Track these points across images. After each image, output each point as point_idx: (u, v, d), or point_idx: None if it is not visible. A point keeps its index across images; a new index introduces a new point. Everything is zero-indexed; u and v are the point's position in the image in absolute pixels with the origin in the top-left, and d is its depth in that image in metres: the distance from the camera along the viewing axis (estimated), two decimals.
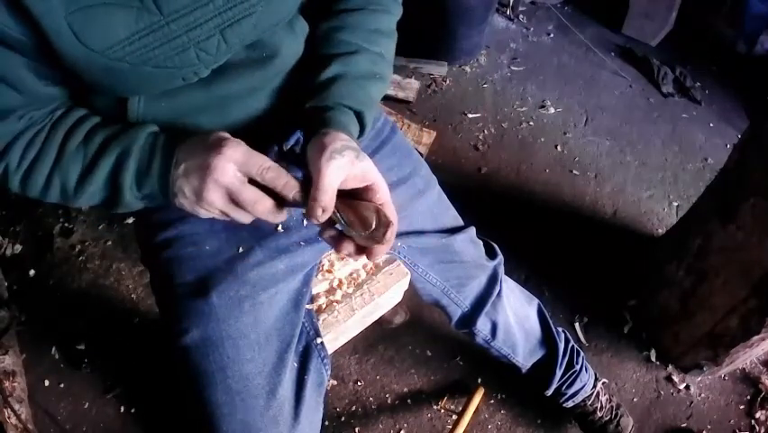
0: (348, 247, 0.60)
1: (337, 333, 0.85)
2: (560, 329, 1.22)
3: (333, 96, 0.66)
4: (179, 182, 0.57)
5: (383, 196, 0.61)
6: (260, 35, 0.62)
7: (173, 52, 0.55)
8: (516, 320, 1.11)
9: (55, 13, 0.48)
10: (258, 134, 0.74)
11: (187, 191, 0.57)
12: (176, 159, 0.57)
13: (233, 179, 0.55)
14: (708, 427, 1.40)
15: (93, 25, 0.50)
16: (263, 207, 0.57)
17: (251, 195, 0.56)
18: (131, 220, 1.64)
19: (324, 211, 0.56)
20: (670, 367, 1.48)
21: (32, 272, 1.52)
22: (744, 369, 1.50)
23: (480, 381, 1.41)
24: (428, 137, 1.91)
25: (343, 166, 0.57)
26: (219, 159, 0.54)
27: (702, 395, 1.45)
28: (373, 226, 0.58)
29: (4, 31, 0.48)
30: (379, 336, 1.46)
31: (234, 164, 0.55)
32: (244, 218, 0.59)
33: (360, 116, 0.67)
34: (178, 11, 0.53)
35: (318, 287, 0.86)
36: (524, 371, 1.20)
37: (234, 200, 0.56)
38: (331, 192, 0.56)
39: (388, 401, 1.38)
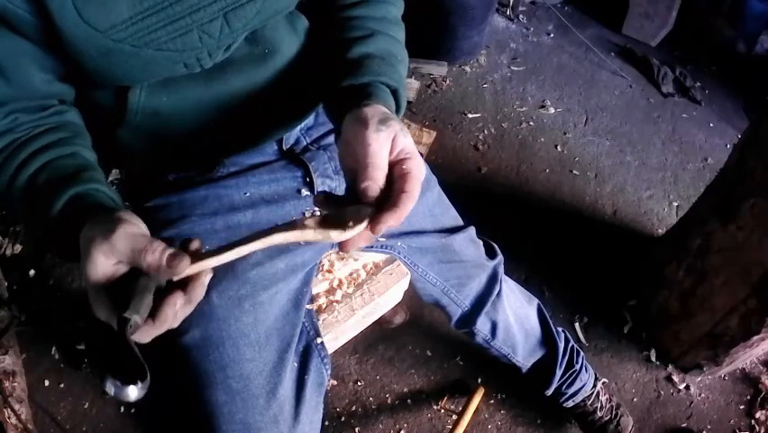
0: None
1: (337, 333, 0.85)
2: (560, 329, 1.22)
3: (369, 74, 0.63)
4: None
5: (413, 167, 0.53)
6: (264, 22, 0.62)
7: (176, 34, 0.55)
8: (516, 320, 1.11)
9: None
10: (258, 132, 0.74)
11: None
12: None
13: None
14: (708, 427, 1.40)
15: (96, 4, 0.50)
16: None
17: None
18: None
19: (378, 192, 0.51)
20: (670, 367, 1.48)
21: (32, 272, 1.52)
22: (744, 369, 1.50)
23: (480, 381, 1.41)
24: (428, 137, 1.91)
25: (389, 138, 0.53)
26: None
27: (702, 395, 1.45)
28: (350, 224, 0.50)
29: (6, 6, 0.48)
30: (379, 336, 1.46)
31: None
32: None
33: (396, 95, 0.65)
34: None
35: (318, 287, 0.86)
36: (524, 371, 1.20)
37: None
38: (385, 167, 0.52)
39: (388, 401, 1.38)
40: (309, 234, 0.50)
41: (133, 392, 0.43)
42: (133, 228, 0.47)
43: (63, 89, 0.60)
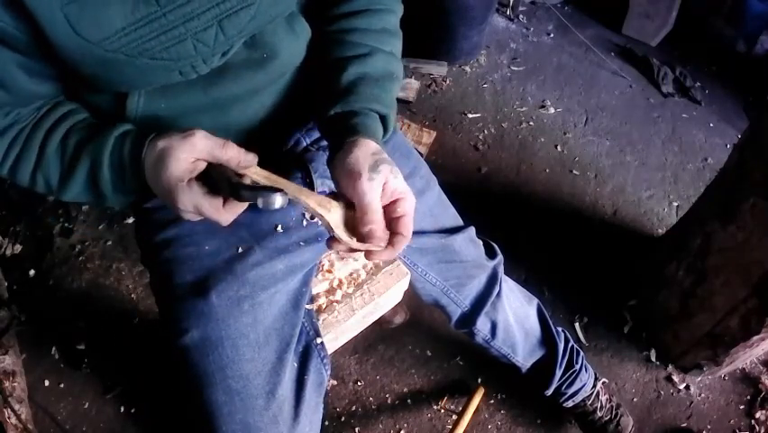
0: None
1: (337, 333, 0.85)
2: (560, 329, 1.22)
3: (359, 100, 0.65)
4: (152, 183, 0.58)
5: (406, 208, 0.60)
6: (259, 28, 0.62)
7: (170, 44, 0.55)
8: (516, 320, 1.11)
9: (51, 3, 0.48)
10: (258, 136, 0.74)
11: (158, 192, 0.58)
12: (146, 151, 0.57)
13: (194, 212, 0.57)
14: (708, 427, 1.40)
15: (89, 16, 0.50)
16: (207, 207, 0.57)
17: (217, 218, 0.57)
18: (131, 220, 1.64)
19: (382, 234, 0.57)
20: (670, 367, 1.48)
21: (31, 272, 1.52)
22: (744, 369, 1.50)
23: (480, 381, 1.41)
24: (428, 137, 1.91)
25: (381, 183, 0.58)
26: (175, 205, 0.56)
27: (702, 395, 1.45)
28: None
29: None
30: (379, 336, 1.46)
31: (188, 209, 0.56)
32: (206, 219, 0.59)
33: (384, 120, 0.67)
34: (175, 1, 0.53)
35: (318, 287, 0.86)
36: (524, 371, 1.20)
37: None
38: (380, 208, 0.57)
39: (388, 401, 1.38)
40: (332, 216, 0.58)
41: (278, 200, 0.54)
42: (208, 132, 0.56)
43: (52, 88, 0.61)
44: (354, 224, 0.58)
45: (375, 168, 0.57)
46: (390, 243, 0.59)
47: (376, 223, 0.56)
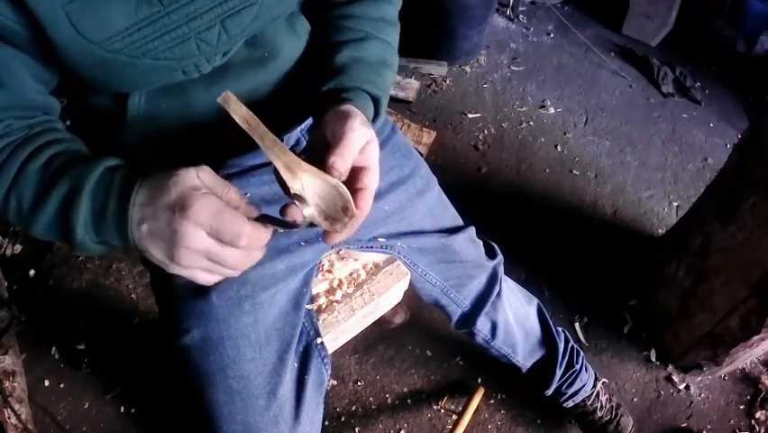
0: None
1: (337, 333, 0.85)
2: (560, 329, 1.22)
3: (352, 80, 0.65)
4: (145, 242, 0.49)
5: (371, 181, 0.57)
6: (262, 28, 0.62)
7: (173, 43, 0.54)
8: (516, 320, 1.11)
9: (51, 1, 0.47)
10: None
11: (157, 255, 0.49)
12: (133, 210, 0.49)
13: (207, 244, 0.48)
14: (708, 427, 1.40)
15: (91, 15, 0.49)
16: (257, 244, 0.50)
17: (233, 254, 0.50)
18: None
19: (344, 172, 0.53)
20: (670, 367, 1.48)
21: (31, 272, 1.52)
22: (744, 369, 1.50)
23: (480, 381, 1.41)
24: (428, 137, 1.91)
25: (367, 137, 0.55)
26: (186, 225, 0.47)
27: (702, 395, 1.45)
28: (337, 215, 0.54)
29: None
30: (379, 336, 1.46)
31: (204, 228, 0.47)
32: (222, 277, 0.53)
33: (376, 103, 0.67)
34: (178, 0, 0.53)
35: (318, 287, 0.86)
36: (524, 371, 1.20)
37: (213, 258, 0.50)
38: (354, 154, 0.54)
39: (388, 401, 1.38)
40: (295, 184, 0.53)
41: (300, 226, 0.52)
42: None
43: (52, 103, 0.60)
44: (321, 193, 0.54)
45: (367, 124, 0.57)
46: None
47: (343, 157, 0.52)
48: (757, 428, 1.41)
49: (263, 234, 0.51)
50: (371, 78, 0.66)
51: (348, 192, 0.53)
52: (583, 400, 1.27)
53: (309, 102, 0.68)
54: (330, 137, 0.55)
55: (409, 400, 1.38)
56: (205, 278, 0.52)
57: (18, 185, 0.54)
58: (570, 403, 1.26)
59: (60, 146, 0.57)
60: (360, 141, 0.54)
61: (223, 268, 0.51)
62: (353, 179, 0.56)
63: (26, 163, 0.54)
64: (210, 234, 0.48)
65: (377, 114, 0.68)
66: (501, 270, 1.05)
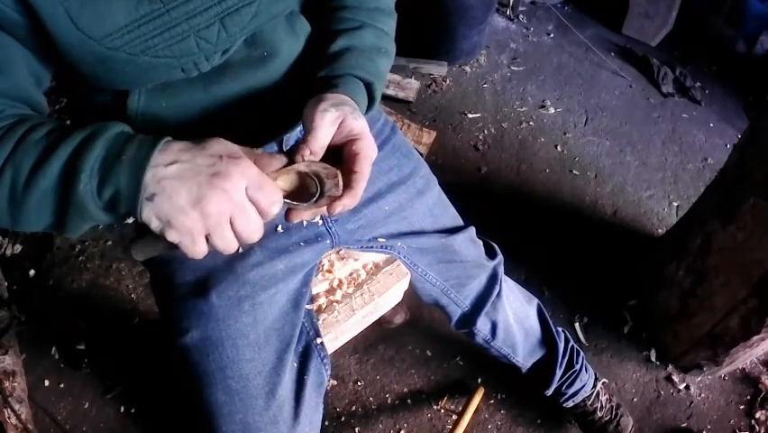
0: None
1: (337, 333, 0.85)
2: (560, 329, 1.22)
3: (343, 67, 0.66)
4: (167, 182, 0.47)
5: (361, 147, 0.59)
6: (261, 26, 0.62)
7: (173, 41, 0.55)
8: (516, 320, 1.11)
9: None
10: (258, 135, 0.74)
11: (178, 195, 0.47)
12: (161, 147, 0.48)
13: (242, 195, 0.49)
14: (708, 427, 1.40)
15: (91, 11, 0.50)
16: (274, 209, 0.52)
17: (255, 220, 0.51)
18: (131, 220, 1.63)
19: (311, 153, 0.57)
20: (670, 367, 1.48)
21: (31, 272, 1.52)
22: (744, 369, 1.50)
23: (480, 381, 1.41)
24: (428, 137, 1.91)
25: (336, 119, 0.58)
26: (234, 169, 0.48)
27: (702, 395, 1.45)
28: (315, 197, 0.57)
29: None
30: (379, 336, 1.46)
31: (248, 181, 0.49)
32: (228, 245, 0.51)
33: (369, 88, 0.68)
34: None
35: (318, 287, 0.86)
36: (524, 371, 1.20)
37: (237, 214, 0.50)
38: (325, 142, 0.58)
39: (388, 401, 1.38)
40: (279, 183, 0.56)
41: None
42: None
43: (42, 101, 0.60)
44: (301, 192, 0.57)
45: (337, 105, 0.59)
46: (348, 184, 0.58)
47: (307, 143, 0.56)
48: (757, 428, 1.41)
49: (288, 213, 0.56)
50: (363, 64, 0.67)
51: (321, 164, 0.57)
52: (583, 401, 1.27)
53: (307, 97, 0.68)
54: (306, 126, 0.59)
55: (409, 400, 1.38)
56: (201, 246, 0.50)
57: (15, 156, 0.49)
58: (570, 403, 1.26)
59: (53, 124, 0.52)
60: (326, 125, 0.57)
61: (229, 234, 0.50)
62: (348, 151, 0.59)
63: (25, 136, 0.50)
64: (249, 190, 0.49)
65: (372, 99, 0.69)
66: (501, 270, 1.05)
